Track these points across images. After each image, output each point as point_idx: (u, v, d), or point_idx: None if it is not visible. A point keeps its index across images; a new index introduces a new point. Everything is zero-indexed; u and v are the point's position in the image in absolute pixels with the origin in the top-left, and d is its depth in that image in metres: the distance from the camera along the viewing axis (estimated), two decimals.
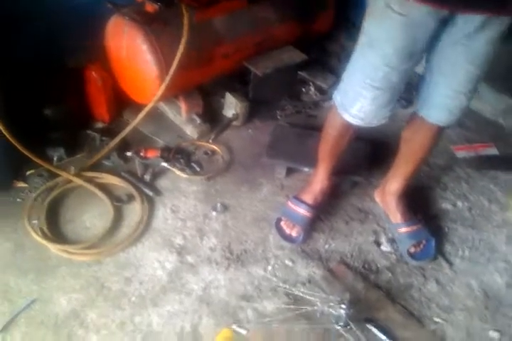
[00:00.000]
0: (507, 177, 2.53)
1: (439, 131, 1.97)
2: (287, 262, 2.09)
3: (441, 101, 1.80)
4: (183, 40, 2.27)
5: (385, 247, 2.18)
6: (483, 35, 1.58)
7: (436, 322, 1.93)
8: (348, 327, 1.82)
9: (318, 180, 2.21)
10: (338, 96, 1.88)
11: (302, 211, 2.17)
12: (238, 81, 2.77)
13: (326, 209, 2.29)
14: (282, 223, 2.20)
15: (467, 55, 1.64)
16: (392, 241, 2.20)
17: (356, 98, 1.78)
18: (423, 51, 1.68)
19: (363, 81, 1.72)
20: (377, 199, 2.32)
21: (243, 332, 1.84)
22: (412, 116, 1.99)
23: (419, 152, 2.06)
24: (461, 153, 2.63)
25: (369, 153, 2.49)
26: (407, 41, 1.61)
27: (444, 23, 1.58)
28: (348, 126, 1.93)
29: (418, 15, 1.54)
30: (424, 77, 1.83)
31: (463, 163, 2.59)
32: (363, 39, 1.70)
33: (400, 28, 1.58)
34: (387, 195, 2.24)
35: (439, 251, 2.17)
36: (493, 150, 2.66)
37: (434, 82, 1.77)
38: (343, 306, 1.79)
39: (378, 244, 2.20)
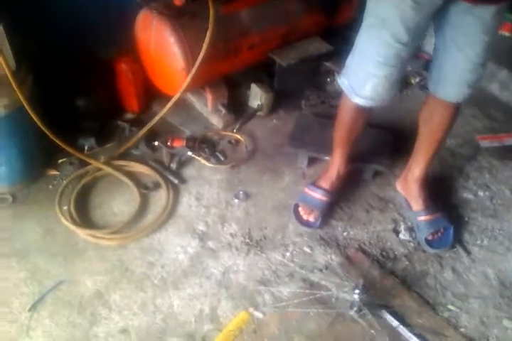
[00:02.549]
0: None
1: (457, 108, 2.00)
2: (305, 249, 2.14)
3: (461, 77, 1.84)
4: (209, 33, 2.33)
5: (403, 235, 2.21)
6: (492, 8, 1.64)
7: (450, 310, 1.96)
8: (362, 312, 1.86)
9: (334, 166, 2.26)
10: (346, 81, 1.93)
11: (319, 196, 2.23)
12: (264, 72, 2.80)
13: (346, 198, 2.33)
14: (300, 209, 2.25)
15: (479, 24, 1.69)
16: (410, 229, 2.23)
17: (368, 78, 1.83)
18: (429, 25, 1.77)
19: (375, 60, 1.77)
20: (399, 187, 2.34)
21: (260, 315, 1.90)
22: (427, 97, 2.03)
23: (438, 132, 2.09)
24: (484, 143, 2.63)
25: (391, 142, 2.51)
26: (417, 17, 1.67)
27: None
28: (359, 109, 1.98)
29: None
30: (437, 57, 1.87)
31: (486, 153, 2.59)
32: (370, 20, 1.76)
33: (408, 4, 1.64)
34: (409, 181, 2.26)
35: (458, 240, 2.19)
36: None
37: (452, 59, 1.81)
38: (357, 291, 1.83)
39: (397, 232, 2.23)
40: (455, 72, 1.83)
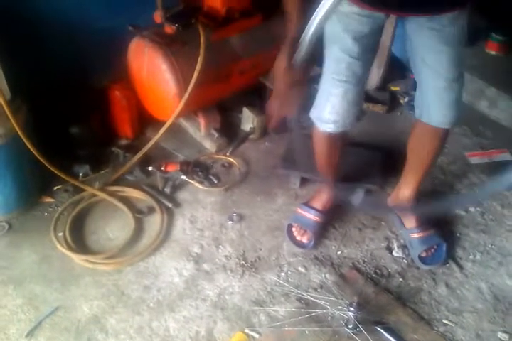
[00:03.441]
0: None
1: (444, 135, 1.99)
2: (300, 268, 2.16)
3: (437, 97, 1.83)
4: (200, 59, 2.39)
5: (397, 253, 2.23)
6: (443, 18, 1.67)
7: (445, 325, 1.97)
8: (358, 329, 1.87)
9: (324, 189, 2.29)
10: (313, 110, 1.96)
11: (311, 216, 2.25)
12: (255, 95, 2.86)
13: (339, 217, 2.36)
14: (293, 229, 2.27)
15: (437, 36, 1.70)
16: (403, 246, 2.25)
17: (327, 99, 1.87)
18: (378, 40, 1.84)
19: (330, 77, 1.82)
20: (391, 205, 2.37)
21: (256, 335, 1.91)
22: (414, 125, 2.04)
23: (426, 159, 2.09)
24: (474, 159, 2.67)
25: (382, 161, 2.55)
26: (364, 29, 1.72)
27: None
28: (330, 137, 2.01)
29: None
30: (416, 80, 1.90)
31: (476, 169, 2.63)
32: (326, 42, 1.80)
33: (351, 17, 1.69)
34: (400, 200, 2.28)
35: (450, 256, 2.21)
36: (506, 156, 2.68)
37: (426, 78, 1.83)
38: (352, 309, 1.85)
39: (390, 249, 2.25)
40: (432, 93, 1.84)
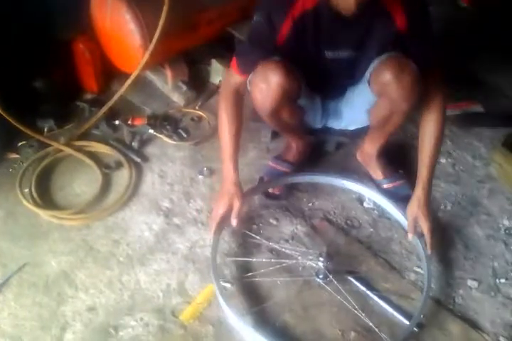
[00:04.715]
0: (491, 133, 2.56)
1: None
2: (271, 221, 2.15)
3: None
4: (165, 8, 2.30)
5: (368, 204, 2.23)
6: None
7: (416, 273, 1.99)
8: (328, 279, 1.88)
9: (292, 144, 2.27)
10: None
11: (283, 169, 2.24)
12: (224, 47, 2.78)
13: (310, 169, 2.33)
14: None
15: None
16: None
17: None
18: None
19: None
20: (359, 159, 2.35)
21: (228, 285, 1.90)
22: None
23: (392, 119, 1.99)
24: (446, 111, 2.64)
25: None
26: None
27: None
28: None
29: None
30: None
31: (447, 121, 2.60)
32: None
33: None
34: (366, 154, 2.28)
35: None
36: (477, 108, 2.67)
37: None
38: (321, 259, 1.85)
39: (361, 201, 2.24)
40: None
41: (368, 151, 2.24)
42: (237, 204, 1.92)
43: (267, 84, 1.78)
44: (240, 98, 1.92)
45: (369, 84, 1.87)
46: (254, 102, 1.89)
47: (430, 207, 1.98)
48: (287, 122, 2.04)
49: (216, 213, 1.95)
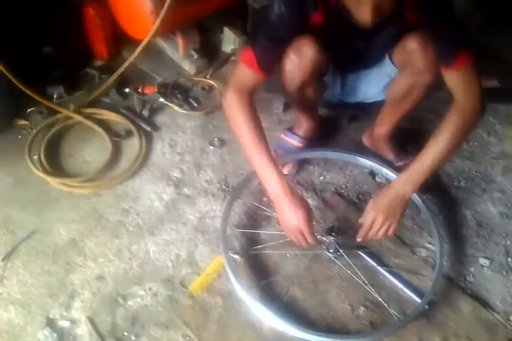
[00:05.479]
0: (507, 109, 2.51)
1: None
2: None
3: None
4: None
5: (380, 178, 2.20)
6: None
7: (427, 249, 1.97)
8: (339, 253, 1.86)
9: (303, 119, 2.20)
10: None
11: (295, 142, 2.19)
12: (237, 15, 2.72)
13: (322, 143, 2.29)
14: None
15: None
16: None
17: None
18: None
19: None
20: (366, 142, 2.30)
21: (237, 258, 1.89)
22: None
23: (405, 102, 1.95)
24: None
25: None
26: None
27: None
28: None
29: None
30: None
31: None
32: None
33: None
34: (376, 138, 2.22)
35: (435, 183, 2.18)
36: (493, 83, 2.61)
37: None
38: (332, 233, 1.83)
39: (373, 175, 2.21)
40: None
41: (380, 133, 2.18)
42: (308, 216, 1.66)
43: (300, 57, 1.70)
44: (254, 97, 1.70)
45: (390, 57, 1.83)
46: (284, 74, 1.80)
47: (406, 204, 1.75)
48: (309, 97, 1.97)
49: (299, 226, 1.64)
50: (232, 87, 1.67)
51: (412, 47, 1.71)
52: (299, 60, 1.71)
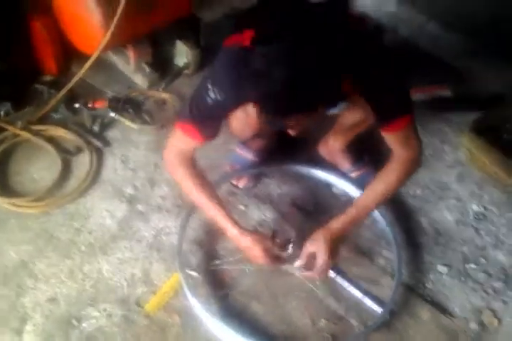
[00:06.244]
0: (459, 118, 2.53)
1: None
2: (240, 206, 2.10)
3: None
4: None
5: (337, 189, 2.19)
6: None
7: (386, 258, 1.96)
8: (297, 266, 1.83)
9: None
10: None
11: (250, 156, 2.18)
12: (189, 28, 2.69)
13: (278, 153, 2.27)
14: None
15: None
16: None
17: None
18: None
19: None
20: (322, 152, 2.28)
21: (194, 274, 1.85)
22: None
23: (360, 126, 1.96)
24: (416, 96, 2.61)
25: None
26: None
27: None
28: None
29: None
30: None
31: (416, 106, 2.57)
32: None
33: None
34: (331, 149, 2.21)
35: None
36: (446, 92, 2.64)
37: None
38: (291, 245, 1.80)
39: (330, 186, 2.20)
40: None
41: (335, 146, 2.18)
42: (268, 245, 1.71)
43: (248, 115, 1.51)
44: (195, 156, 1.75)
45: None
46: (232, 128, 1.84)
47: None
48: (261, 137, 2.01)
49: (261, 255, 1.68)
50: (171, 151, 1.71)
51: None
52: (248, 118, 1.55)
